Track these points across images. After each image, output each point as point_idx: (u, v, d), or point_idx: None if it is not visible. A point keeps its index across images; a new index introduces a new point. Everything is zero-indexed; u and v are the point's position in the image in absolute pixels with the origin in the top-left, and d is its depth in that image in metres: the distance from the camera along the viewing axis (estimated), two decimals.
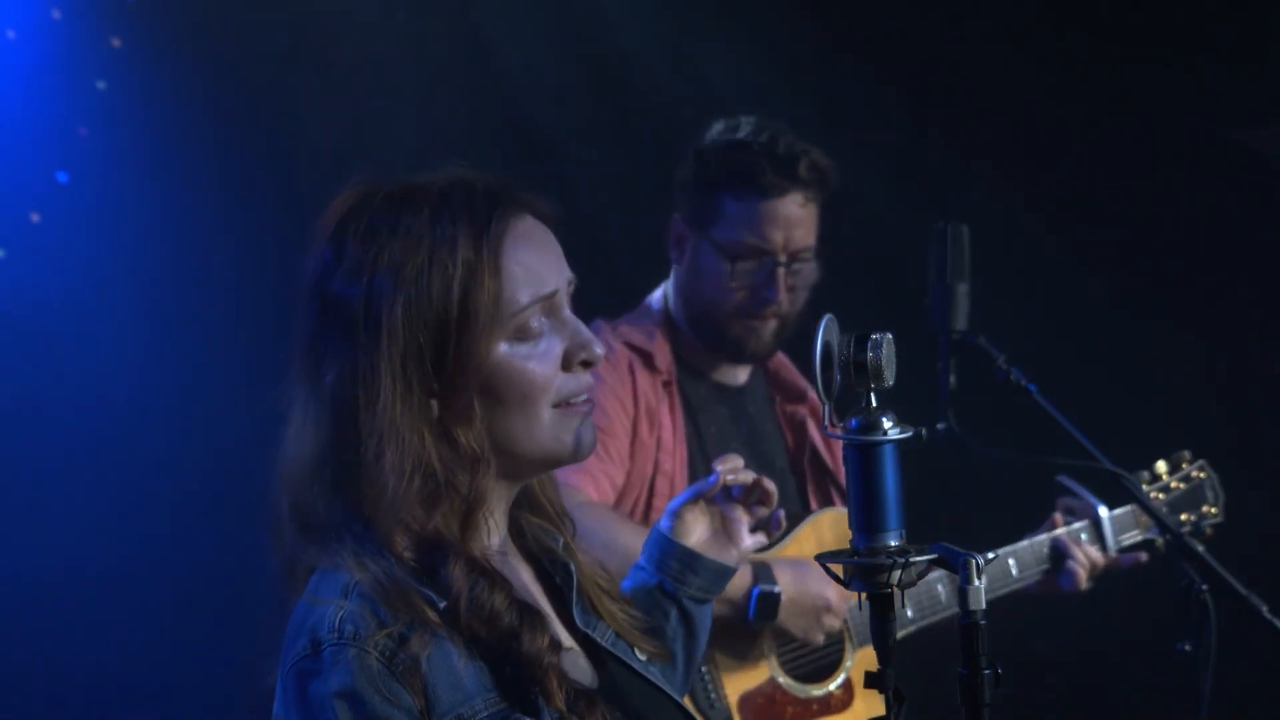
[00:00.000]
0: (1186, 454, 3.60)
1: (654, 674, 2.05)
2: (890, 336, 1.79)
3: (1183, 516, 3.54)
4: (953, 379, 3.32)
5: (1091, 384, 4.29)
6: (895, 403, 1.81)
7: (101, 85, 4.22)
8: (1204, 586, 3.09)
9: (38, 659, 4.07)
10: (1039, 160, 4.69)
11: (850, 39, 4.67)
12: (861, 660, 3.24)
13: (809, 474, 3.46)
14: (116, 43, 4.23)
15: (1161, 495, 3.52)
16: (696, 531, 2.30)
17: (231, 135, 4.28)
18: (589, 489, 3.10)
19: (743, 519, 2.34)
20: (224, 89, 4.29)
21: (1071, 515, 3.46)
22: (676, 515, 2.29)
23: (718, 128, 3.37)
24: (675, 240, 3.35)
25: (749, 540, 2.35)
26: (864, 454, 1.79)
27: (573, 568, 2.03)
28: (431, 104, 4.44)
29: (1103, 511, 3.44)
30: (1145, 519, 3.47)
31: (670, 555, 2.27)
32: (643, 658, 2.05)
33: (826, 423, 1.82)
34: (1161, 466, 3.56)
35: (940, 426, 3.30)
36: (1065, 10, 4.68)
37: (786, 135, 3.30)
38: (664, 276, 3.43)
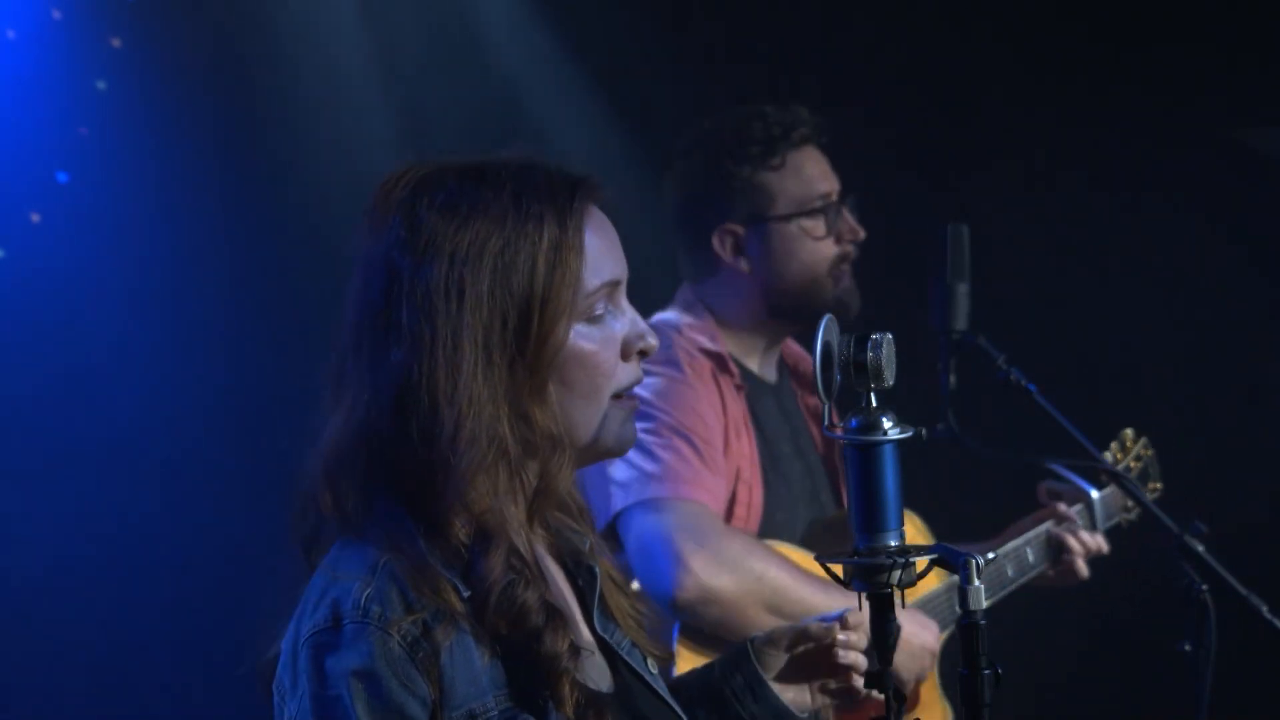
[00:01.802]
0: (1130, 432, 3.64)
1: (663, 687, 2.04)
2: (890, 336, 1.80)
3: None
4: (953, 379, 3.32)
5: (1091, 383, 4.29)
6: (895, 403, 1.81)
7: (101, 85, 4.22)
8: (1204, 586, 3.08)
9: (36, 655, 4.07)
10: (1039, 160, 4.69)
11: (851, 38, 4.68)
12: None
13: (840, 468, 3.43)
14: (116, 43, 4.23)
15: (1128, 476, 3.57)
16: (780, 663, 2.16)
17: (231, 135, 4.29)
18: (713, 505, 3.05)
19: (830, 679, 2.20)
20: (224, 89, 4.29)
21: (1058, 499, 3.47)
22: (771, 641, 2.17)
23: (706, 129, 3.36)
24: (731, 249, 3.29)
25: (825, 701, 2.21)
26: (864, 454, 1.79)
27: (597, 570, 2.02)
28: (432, 103, 4.44)
29: (1094, 494, 3.45)
30: (1126, 500, 3.50)
31: (740, 671, 2.16)
32: (654, 670, 2.04)
33: (827, 422, 1.83)
34: (1115, 447, 3.60)
35: (940, 426, 3.30)
36: (1066, 10, 4.68)
37: (766, 105, 3.33)
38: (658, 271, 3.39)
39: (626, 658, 2.00)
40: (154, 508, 4.13)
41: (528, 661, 1.83)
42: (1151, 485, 3.63)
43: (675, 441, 3.06)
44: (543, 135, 4.42)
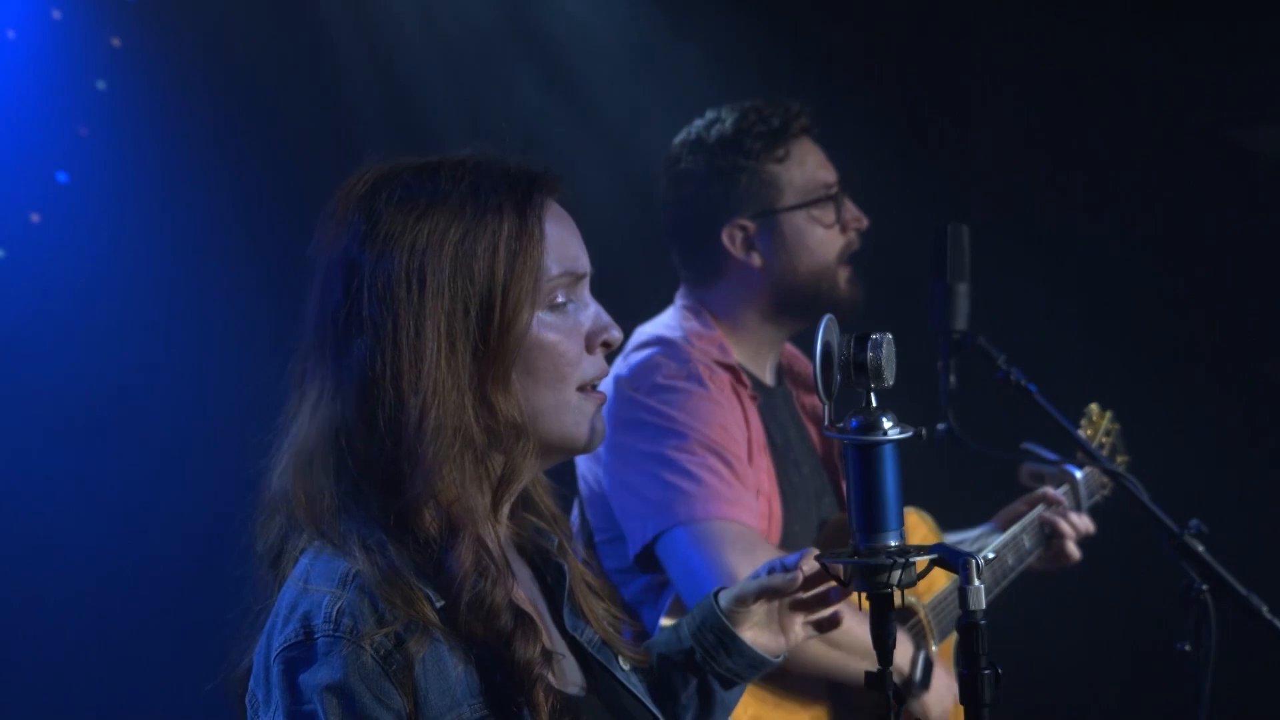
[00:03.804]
0: (1095, 407, 3.66)
1: (635, 685, 2.03)
2: (890, 336, 1.80)
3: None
4: (953, 379, 3.31)
5: (1090, 383, 4.29)
6: (895, 403, 1.81)
7: (101, 85, 4.23)
8: (1204, 586, 3.08)
9: (36, 653, 4.08)
10: (1039, 160, 4.70)
11: (850, 37, 4.68)
12: (943, 653, 3.22)
13: (839, 468, 3.39)
14: (116, 43, 4.24)
15: (1101, 452, 3.58)
16: (753, 615, 2.17)
17: (231, 135, 4.29)
18: (749, 520, 3.01)
19: (799, 613, 2.20)
20: (224, 88, 4.29)
21: (1041, 481, 3.46)
22: (738, 599, 2.16)
23: (700, 129, 3.34)
24: (742, 245, 3.26)
25: (800, 635, 2.22)
26: (864, 454, 1.79)
27: (565, 569, 2.01)
28: (431, 103, 4.44)
29: (1078, 474, 3.45)
30: (1103, 477, 3.51)
31: (710, 628, 2.17)
32: (626, 667, 2.04)
33: (827, 423, 1.82)
34: (1084, 424, 3.61)
35: (940, 426, 3.30)
36: (1066, 10, 4.68)
37: (756, 101, 3.33)
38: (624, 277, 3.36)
39: (597, 656, 2.00)
40: (152, 505, 4.13)
41: (501, 668, 1.83)
42: (1120, 458, 3.64)
43: (710, 459, 3.02)
44: (537, 131, 4.43)
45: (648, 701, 2.03)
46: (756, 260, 3.27)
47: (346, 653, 1.76)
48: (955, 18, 4.67)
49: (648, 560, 3.02)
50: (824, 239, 3.28)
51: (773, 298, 3.28)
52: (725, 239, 3.27)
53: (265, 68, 4.32)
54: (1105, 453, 3.57)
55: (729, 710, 2.22)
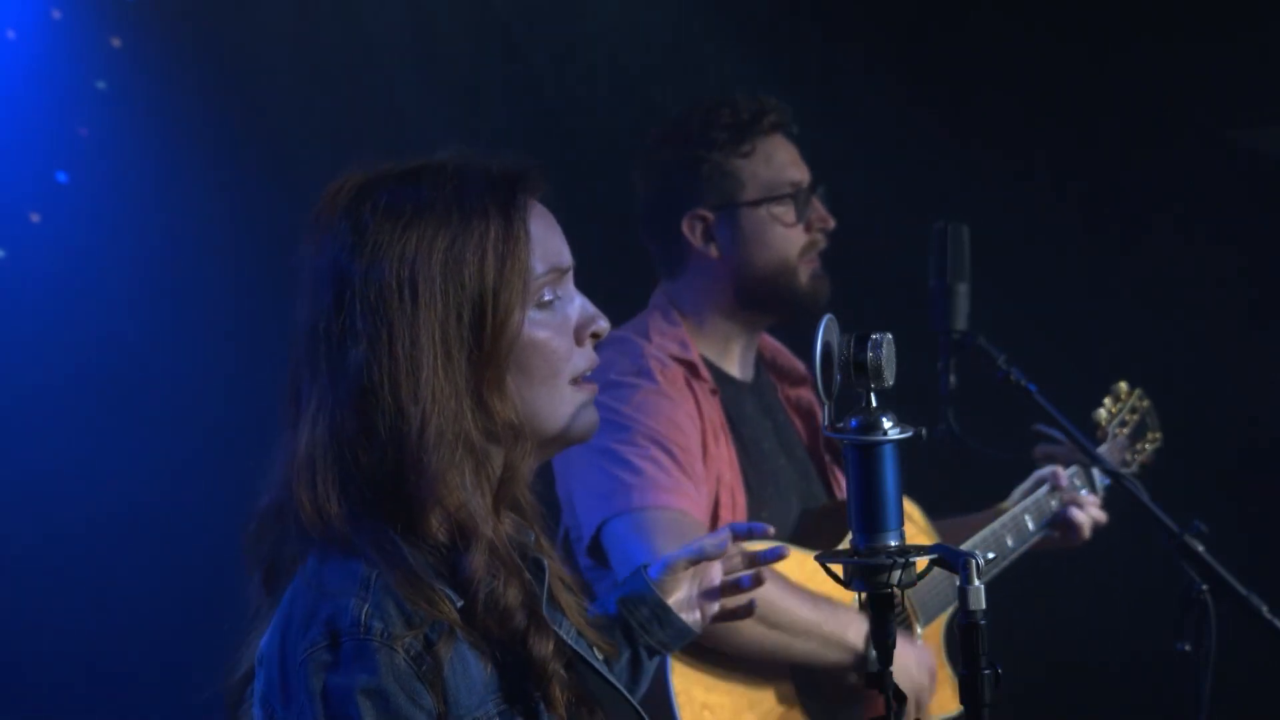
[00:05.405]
0: (1124, 385, 3.65)
1: (610, 674, 2.06)
2: (890, 336, 1.80)
3: (1137, 446, 3.62)
4: (953, 379, 3.32)
5: (1090, 383, 4.30)
6: (895, 403, 1.81)
7: (101, 85, 4.22)
8: (1204, 586, 3.09)
9: (36, 652, 4.08)
10: (1039, 160, 4.69)
11: (850, 37, 4.68)
12: (930, 636, 3.22)
13: (827, 459, 3.42)
14: (116, 43, 4.23)
15: (1123, 430, 3.58)
16: (680, 588, 2.27)
17: (231, 135, 4.29)
18: (694, 512, 3.04)
19: (713, 599, 2.31)
20: (224, 89, 4.29)
21: (1052, 461, 3.47)
22: (669, 568, 2.26)
23: (673, 120, 3.36)
24: (701, 235, 3.28)
25: (713, 612, 2.31)
26: (864, 454, 1.79)
27: (545, 563, 2.03)
28: (432, 103, 4.44)
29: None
30: (1124, 454, 3.52)
31: (644, 602, 2.25)
32: (600, 658, 2.07)
33: (826, 423, 1.83)
34: (1109, 402, 3.60)
35: (940, 426, 3.30)
36: (1066, 9, 4.68)
37: (732, 95, 3.34)
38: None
39: (575, 646, 2.01)
40: (152, 505, 4.13)
41: (518, 665, 1.85)
42: (1151, 435, 3.64)
43: (653, 451, 3.06)
44: (535, 130, 4.43)
45: (622, 688, 2.06)
46: (714, 251, 3.29)
47: (380, 656, 1.77)
48: (956, 17, 4.67)
49: (597, 552, 3.05)
50: (783, 236, 3.29)
51: (732, 291, 3.30)
52: (685, 228, 3.29)
53: (265, 67, 4.31)
54: (1129, 430, 3.58)
55: (649, 677, 2.31)
